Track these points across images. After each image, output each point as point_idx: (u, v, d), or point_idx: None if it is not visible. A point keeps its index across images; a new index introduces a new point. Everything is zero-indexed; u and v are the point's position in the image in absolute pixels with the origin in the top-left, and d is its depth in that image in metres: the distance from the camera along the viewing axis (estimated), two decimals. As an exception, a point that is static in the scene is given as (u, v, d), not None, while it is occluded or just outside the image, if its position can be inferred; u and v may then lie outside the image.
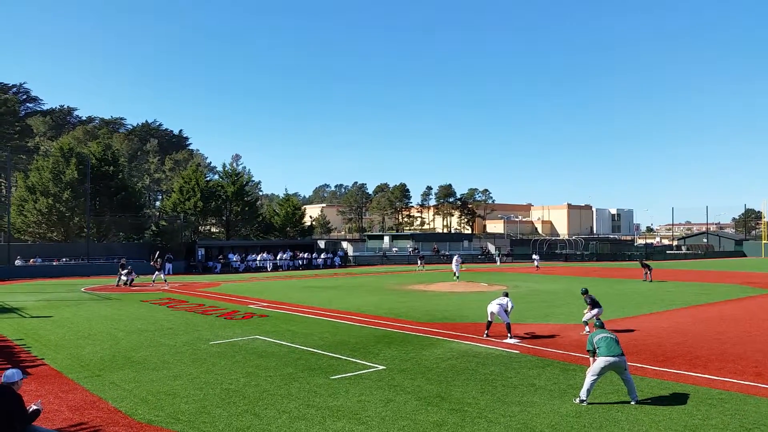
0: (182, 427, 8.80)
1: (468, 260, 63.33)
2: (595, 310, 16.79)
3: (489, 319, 16.34)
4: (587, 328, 16.74)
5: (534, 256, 57.28)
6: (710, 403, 9.86)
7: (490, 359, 13.52)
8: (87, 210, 51.34)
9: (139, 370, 12.58)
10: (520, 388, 10.96)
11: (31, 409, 6.62)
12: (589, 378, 9.95)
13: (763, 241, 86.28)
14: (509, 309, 16.31)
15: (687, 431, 8.51)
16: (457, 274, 38.33)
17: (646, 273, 36.70)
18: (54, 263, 46.69)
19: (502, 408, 9.68)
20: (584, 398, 9.86)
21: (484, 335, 16.25)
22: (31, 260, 46.84)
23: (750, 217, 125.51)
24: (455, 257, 40.96)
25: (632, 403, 9.83)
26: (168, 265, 45.35)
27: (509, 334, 15.93)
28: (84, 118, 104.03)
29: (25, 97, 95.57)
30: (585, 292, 17.87)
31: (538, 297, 27.53)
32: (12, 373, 6.73)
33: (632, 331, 17.40)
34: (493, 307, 16.20)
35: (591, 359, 10.18)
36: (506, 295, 16.84)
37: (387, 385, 11.14)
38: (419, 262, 54.53)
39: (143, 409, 9.74)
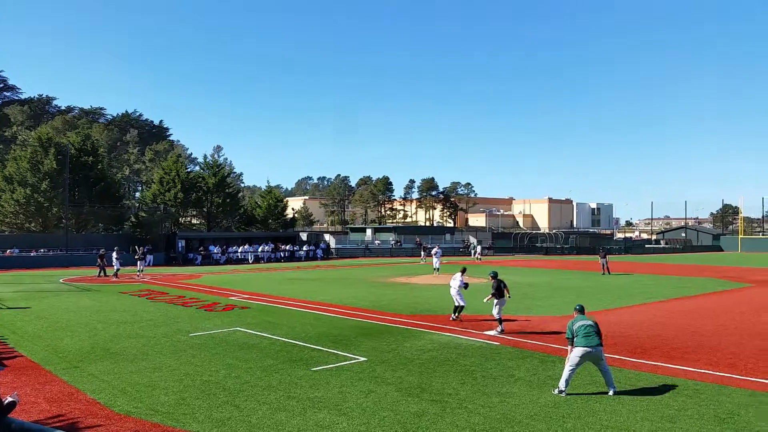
0: (161, 418, 8.75)
1: (449, 253, 63.49)
2: (499, 301, 16.12)
3: (457, 303, 17.36)
4: (501, 326, 15.99)
5: (477, 248, 57.74)
6: (686, 394, 10.02)
7: (470, 351, 13.60)
8: (65, 200, 50.70)
9: (117, 362, 12.47)
10: (499, 379, 11.04)
11: (6, 401, 6.51)
12: (567, 369, 10.05)
13: (740, 236, 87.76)
14: (461, 286, 17.42)
15: (663, 421, 8.63)
16: (437, 267, 38.31)
17: (603, 264, 37.37)
18: (32, 254, 46.10)
19: (482, 398, 9.75)
20: (563, 389, 9.96)
21: (452, 318, 17.19)
22: (8, 251, 46.15)
23: (727, 213, 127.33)
24: (435, 250, 40.96)
25: (610, 393, 9.94)
26: (149, 257, 45.02)
27: (454, 315, 17.30)
28: (63, 108, 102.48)
29: (2, 85, 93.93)
30: (494, 275, 16.74)
31: (519, 290, 27.68)
32: (-13, 364, 6.64)
33: (610, 323, 17.57)
34: (453, 290, 17.56)
35: (569, 347, 10.27)
36: (463, 271, 17.64)
37: (368, 377, 11.16)
38: (422, 253, 54.62)
39: (122, 400, 9.67)
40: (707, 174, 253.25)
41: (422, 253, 55.02)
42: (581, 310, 10.86)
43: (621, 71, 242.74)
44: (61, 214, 53.36)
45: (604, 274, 36.70)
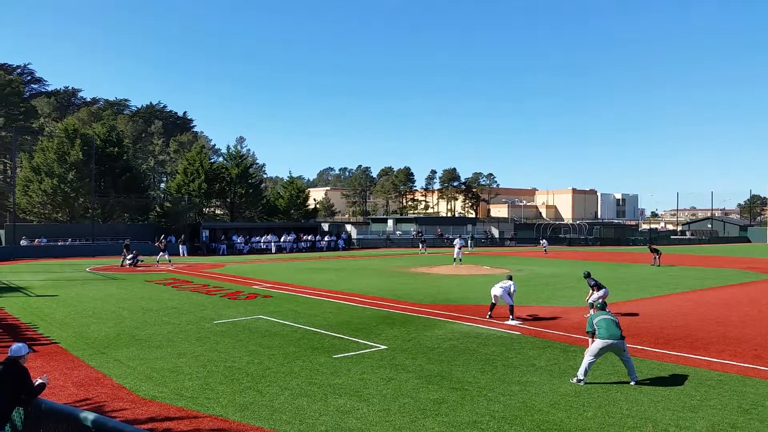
0: (186, 403, 8.92)
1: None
2: (601, 292, 16.76)
3: (493, 301, 16.44)
4: (592, 311, 16.65)
5: (544, 241, 56.43)
6: (709, 385, 9.93)
7: (491, 340, 13.61)
8: (91, 191, 51.51)
9: (143, 348, 12.71)
10: (520, 368, 11.04)
11: (37, 383, 6.71)
12: (587, 358, 10.02)
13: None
14: (512, 291, 16.37)
15: (685, 411, 8.58)
16: (456, 258, 37.90)
17: (655, 258, 36.63)
18: (59, 243, 46.93)
19: (502, 387, 9.77)
20: (581, 378, 9.94)
21: (487, 316, 16.35)
22: (37, 240, 47.08)
23: (755, 203, 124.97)
24: (456, 241, 40.81)
25: (632, 383, 9.90)
26: (183, 247, 45.77)
27: (511, 316, 16.01)
28: (88, 100, 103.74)
29: (29, 78, 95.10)
30: (587, 275, 17.81)
31: (541, 280, 27.61)
32: (18, 347, 6.81)
33: (634, 314, 17.45)
34: (496, 290, 16.31)
35: (590, 340, 10.24)
36: (510, 278, 16.89)
37: (388, 364, 11.24)
38: (421, 245, 54.22)
39: (147, 385, 9.86)
40: (735, 164, 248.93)
41: (421, 245, 54.06)
42: (602, 307, 10.84)
43: (645, 61, 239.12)
44: (87, 205, 54.26)
45: (653, 265, 35.89)
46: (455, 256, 38.14)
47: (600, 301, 15.10)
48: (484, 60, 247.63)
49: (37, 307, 18.75)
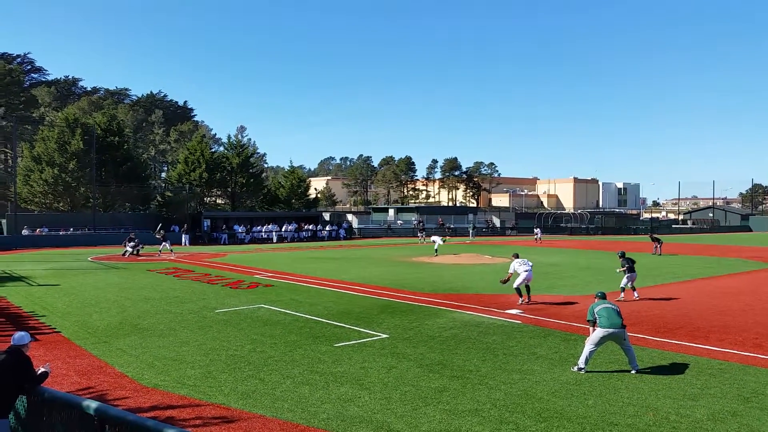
0: (188, 391, 8.95)
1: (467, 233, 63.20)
2: (630, 275, 17.87)
3: (525, 284, 16.91)
4: (622, 294, 17.62)
5: (537, 230, 56.46)
6: (710, 373, 9.95)
7: (492, 329, 13.63)
8: (93, 180, 51.54)
9: (145, 337, 12.75)
10: (521, 356, 11.07)
11: (39, 372, 6.73)
12: (587, 347, 10.04)
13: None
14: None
15: (686, 399, 8.60)
16: (435, 245, 37.05)
17: (656, 247, 36.59)
18: (60, 233, 46.98)
19: (503, 375, 9.80)
20: (582, 366, 9.96)
21: (527, 301, 16.85)
22: (38, 230, 47.11)
23: (757, 192, 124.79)
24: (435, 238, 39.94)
25: (632, 372, 9.92)
26: (185, 236, 45.97)
27: (523, 298, 16.72)
28: (89, 89, 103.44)
29: (29, 67, 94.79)
30: (622, 255, 18.53)
31: (542, 269, 27.52)
32: (21, 336, 6.82)
33: (635, 302, 17.47)
34: (528, 272, 16.76)
35: (591, 329, 10.25)
36: (517, 255, 17.27)
37: (390, 353, 11.27)
38: (420, 234, 54.13)
39: (150, 373, 9.90)
40: (736, 153, 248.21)
41: (420, 234, 53.86)
42: (603, 297, 10.82)
43: (646, 49, 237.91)
44: (88, 194, 54.25)
45: (654, 254, 35.90)
46: (435, 246, 37.18)
47: (630, 282, 16.67)
48: (485, 49, 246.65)
49: (39, 297, 18.79)
